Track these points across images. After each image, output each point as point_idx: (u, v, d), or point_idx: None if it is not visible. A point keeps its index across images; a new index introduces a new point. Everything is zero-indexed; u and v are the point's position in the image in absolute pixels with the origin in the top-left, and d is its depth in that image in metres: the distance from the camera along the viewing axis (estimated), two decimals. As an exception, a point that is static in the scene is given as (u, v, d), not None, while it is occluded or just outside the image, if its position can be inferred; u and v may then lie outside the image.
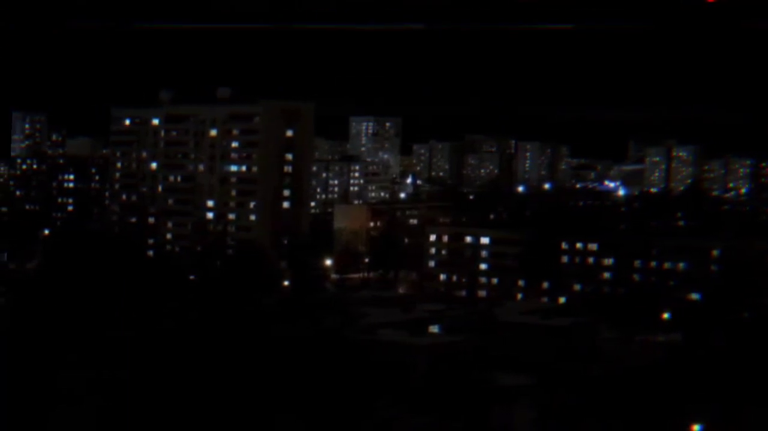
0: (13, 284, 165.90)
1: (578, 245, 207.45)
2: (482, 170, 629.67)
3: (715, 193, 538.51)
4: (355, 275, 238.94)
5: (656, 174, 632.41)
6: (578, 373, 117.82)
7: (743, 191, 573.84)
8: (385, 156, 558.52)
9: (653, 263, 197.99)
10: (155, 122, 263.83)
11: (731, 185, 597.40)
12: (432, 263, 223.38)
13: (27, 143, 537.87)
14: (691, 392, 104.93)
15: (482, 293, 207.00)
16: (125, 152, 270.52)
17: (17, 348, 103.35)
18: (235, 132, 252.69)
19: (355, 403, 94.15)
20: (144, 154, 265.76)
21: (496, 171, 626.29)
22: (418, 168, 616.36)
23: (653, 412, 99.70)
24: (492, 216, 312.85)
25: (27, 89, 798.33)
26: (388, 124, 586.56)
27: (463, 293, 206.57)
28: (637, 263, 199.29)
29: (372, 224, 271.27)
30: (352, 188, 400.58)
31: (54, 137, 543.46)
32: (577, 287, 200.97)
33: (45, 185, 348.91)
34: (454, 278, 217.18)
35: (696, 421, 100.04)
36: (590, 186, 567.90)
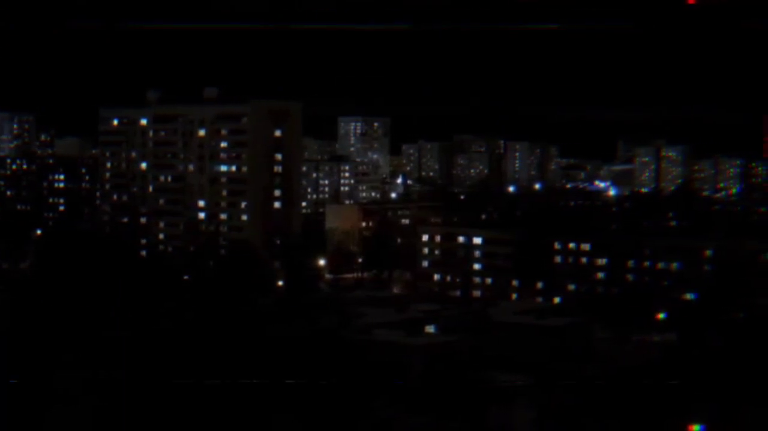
0: (7, 284, 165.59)
1: (571, 245, 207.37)
2: (472, 170, 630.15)
3: (705, 193, 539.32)
4: (349, 275, 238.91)
5: (646, 174, 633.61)
6: (573, 373, 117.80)
7: (734, 191, 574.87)
8: (375, 156, 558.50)
9: (646, 263, 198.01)
10: (143, 122, 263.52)
11: (721, 185, 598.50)
12: (425, 263, 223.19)
13: (16, 143, 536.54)
14: (686, 392, 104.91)
15: (476, 293, 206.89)
16: (114, 152, 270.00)
17: (12, 348, 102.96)
18: (223, 132, 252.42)
19: (353, 403, 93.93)
20: (133, 154, 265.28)
21: (485, 171, 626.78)
22: (408, 168, 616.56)
23: (649, 412, 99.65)
24: (483, 216, 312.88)
25: (14, 89, 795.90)
26: (376, 124, 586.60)
27: (457, 293, 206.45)
28: (630, 263, 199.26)
29: (364, 224, 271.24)
30: (342, 188, 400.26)
31: (43, 137, 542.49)
32: (571, 287, 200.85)
33: (35, 186, 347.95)
34: (448, 278, 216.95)
35: (692, 421, 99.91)
36: (581, 186, 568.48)
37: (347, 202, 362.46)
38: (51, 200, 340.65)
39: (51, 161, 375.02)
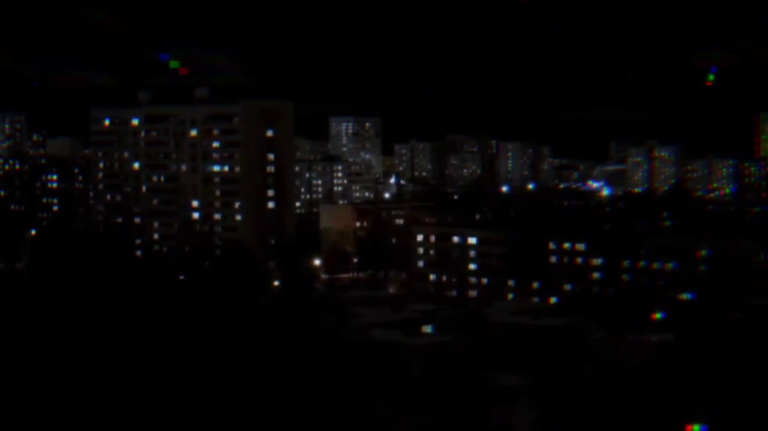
0: (3, 284, 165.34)
1: (566, 245, 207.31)
2: (465, 170, 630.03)
3: (698, 193, 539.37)
4: (345, 276, 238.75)
5: (639, 174, 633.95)
6: (571, 373, 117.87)
7: (727, 191, 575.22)
8: (367, 156, 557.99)
9: (642, 264, 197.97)
10: (135, 122, 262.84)
11: (714, 185, 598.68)
12: (420, 263, 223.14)
13: (8, 143, 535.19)
14: (683, 392, 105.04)
15: (472, 293, 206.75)
16: (107, 152, 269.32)
17: (10, 348, 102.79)
18: (215, 132, 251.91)
19: (353, 403, 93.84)
20: (126, 154, 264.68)
21: (478, 171, 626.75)
22: (401, 168, 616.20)
23: (647, 412, 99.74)
24: (477, 216, 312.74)
25: (6, 89, 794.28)
26: (368, 124, 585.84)
27: (453, 293, 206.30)
28: (625, 263, 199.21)
29: (358, 224, 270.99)
30: (335, 189, 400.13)
31: (35, 137, 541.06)
32: (566, 287, 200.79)
33: (28, 186, 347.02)
34: (444, 278, 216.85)
35: (689, 421, 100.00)
36: (574, 186, 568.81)
37: (341, 202, 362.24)
38: (44, 200, 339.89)
39: (43, 161, 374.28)
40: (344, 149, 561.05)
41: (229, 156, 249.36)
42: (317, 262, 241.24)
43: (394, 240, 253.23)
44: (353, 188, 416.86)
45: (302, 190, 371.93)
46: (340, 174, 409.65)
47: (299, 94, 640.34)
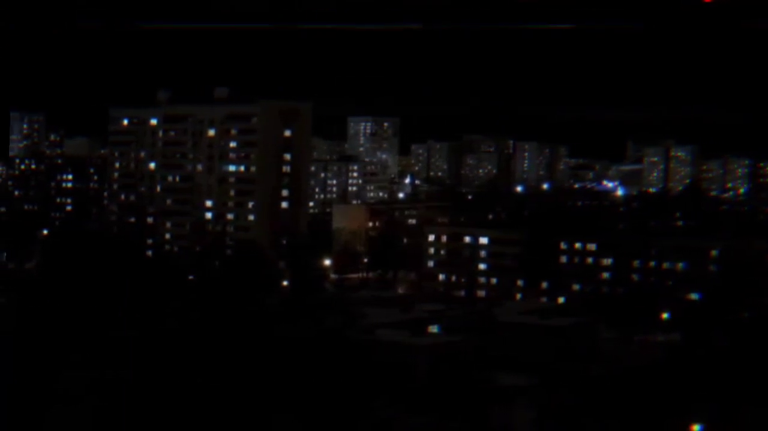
0: (13, 284, 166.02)
1: (577, 245, 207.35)
2: (480, 170, 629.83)
3: (713, 193, 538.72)
4: (354, 275, 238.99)
5: (654, 174, 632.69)
6: (577, 373, 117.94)
7: (742, 191, 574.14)
8: (384, 156, 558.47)
9: (652, 263, 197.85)
10: (153, 122, 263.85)
11: (730, 185, 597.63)
12: (431, 263, 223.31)
13: (25, 143, 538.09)
14: (691, 392, 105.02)
15: (481, 293, 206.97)
16: (123, 152, 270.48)
17: (18, 348, 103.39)
18: (233, 132, 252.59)
19: (358, 403, 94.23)
20: (142, 154, 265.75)
21: (494, 171, 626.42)
22: (417, 168, 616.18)
23: (653, 412, 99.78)
24: (491, 216, 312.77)
25: (25, 89, 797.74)
26: (386, 124, 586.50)
27: (462, 293, 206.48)
28: (636, 263, 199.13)
29: (371, 224, 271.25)
30: (350, 188, 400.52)
31: (52, 137, 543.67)
32: (576, 287, 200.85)
33: (43, 185, 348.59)
34: (453, 278, 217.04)
35: (696, 421, 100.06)
36: (589, 186, 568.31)
37: (355, 202, 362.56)
38: (58, 199, 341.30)
39: (60, 161, 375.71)
40: (361, 148, 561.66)
41: (246, 156, 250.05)
42: (328, 262, 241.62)
43: (405, 240, 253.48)
44: (368, 188, 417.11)
45: (317, 190, 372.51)
46: (355, 174, 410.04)
47: (318, 95, 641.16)
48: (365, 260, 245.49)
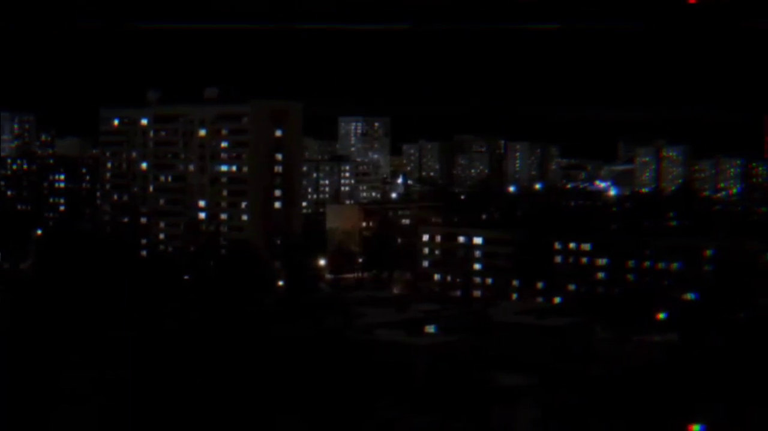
0: (8, 284, 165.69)
1: (571, 245, 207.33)
2: (472, 170, 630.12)
3: (705, 193, 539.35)
4: (350, 276, 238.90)
5: (646, 174, 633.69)
6: (575, 373, 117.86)
7: (734, 191, 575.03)
8: (375, 156, 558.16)
9: (647, 263, 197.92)
10: (144, 122, 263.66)
11: (722, 185, 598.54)
12: (426, 263, 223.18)
13: (16, 143, 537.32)
14: (689, 392, 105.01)
15: (477, 293, 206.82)
16: (115, 152, 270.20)
17: (14, 348, 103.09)
18: (224, 132, 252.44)
19: (358, 403, 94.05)
20: (134, 154, 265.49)
21: (486, 171, 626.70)
22: (409, 168, 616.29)
23: (650, 412, 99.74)
24: (484, 216, 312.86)
25: (15, 89, 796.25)
26: (376, 124, 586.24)
27: (458, 293, 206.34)
28: (630, 263, 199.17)
29: (364, 224, 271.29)
30: (343, 188, 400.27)
31: (43, 137, 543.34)
32: (571, 287, 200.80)
33: (36, 186, 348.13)
34: (449, 278, 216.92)
35: (694, 421, 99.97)
36: (581, 186, 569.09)
37: (348, 202, 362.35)
38: (51, 200, 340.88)
39: (51, 161, 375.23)
40: (353, 149, 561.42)
41: (238, 156, 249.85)
42: (322, 262, 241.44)
43: (400, 240, 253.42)
44: (360, 188, 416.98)
45: (309, 190, 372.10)
46: (347, 174, 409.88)
47: (309, 95, 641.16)
48: (360, 260, 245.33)
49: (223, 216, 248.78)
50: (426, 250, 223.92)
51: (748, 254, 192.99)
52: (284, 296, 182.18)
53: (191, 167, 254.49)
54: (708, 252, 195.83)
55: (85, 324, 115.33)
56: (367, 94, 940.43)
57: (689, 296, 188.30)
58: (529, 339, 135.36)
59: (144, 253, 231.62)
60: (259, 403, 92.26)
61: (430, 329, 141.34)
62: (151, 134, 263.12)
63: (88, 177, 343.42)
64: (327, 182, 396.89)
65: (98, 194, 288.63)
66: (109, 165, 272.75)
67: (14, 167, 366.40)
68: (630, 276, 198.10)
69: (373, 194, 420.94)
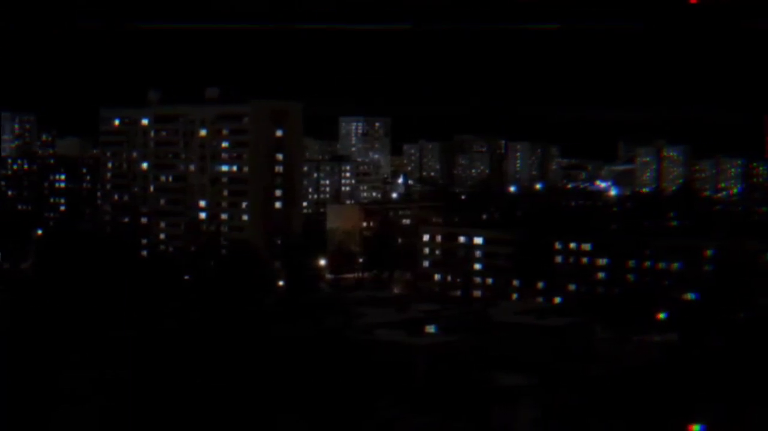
0: (8, 284, 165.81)
1: (572, 245, 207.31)
2: (473, 170, 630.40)
3: (706, 193, 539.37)
4: (350, 276, 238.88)
5: (647, 174, 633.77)
6: (575, 373, 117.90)
7: (735, 191, 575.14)
8: (376, 156, 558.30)
9: (647, 263, 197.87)
10: (144, 122, 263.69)
11: (722, 185, 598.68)
12: (426, 263, 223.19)
13: (17, 143, 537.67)
14: (688, 392, 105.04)
15: (477, 293, 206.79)
16: (115, 152, 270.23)
17: (14, 348, 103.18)
18: (224, 132, 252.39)
19: (358, 403, 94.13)
20: (134, 154, 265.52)
21: (486, 171, 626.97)
22: (409, 168, 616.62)
23: (650, 412, 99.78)
24: (484, 216, 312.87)
25: (16, 89, 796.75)
26: (377, 124, 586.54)
27: (458, 293, 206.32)
28: (631, 263, 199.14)
29: (365, 224, 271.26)
30: (343, 189, 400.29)
31: (44, 137, 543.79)
32: (571, 287, 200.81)
33: (36, 186, 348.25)
34: (449, 278, 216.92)
35: (694, 421, 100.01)
36: (582, 186, 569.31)
37: (348, 202, 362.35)
38: (52, 200, 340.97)
39: (52, 161, 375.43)
40: (353, 149, 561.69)
41: (238, 156, 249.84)
42: (322, 262, 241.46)
43: (400, 240, 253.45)
44: (361, 188, 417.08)
45: (310, 190, 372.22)
46: (348, 174, 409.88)
47: (309, 95, 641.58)
48: (360, 260, 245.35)
49: (224, 216, 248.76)
50: (426, 250, 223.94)
51: (749, 254, 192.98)
52: (284, 296, 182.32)
53: (192, 167, 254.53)
54: (708, 252, 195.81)
55: (86, 324, 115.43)
56: (368, 94, 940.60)
57: (689, 296, 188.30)
58: (529, 339, 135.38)
59: (144, 253, 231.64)
60: (260, 403, 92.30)
61: (430, 329, 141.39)
62: (152, 134, 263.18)
63: (88, 177, 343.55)
64: (327, 182, 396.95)
65: (99, 194, 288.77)
66: (109, 165, 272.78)
67: (14, 167, 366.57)
68: (630, 276, 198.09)
69: (374, 194, 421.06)
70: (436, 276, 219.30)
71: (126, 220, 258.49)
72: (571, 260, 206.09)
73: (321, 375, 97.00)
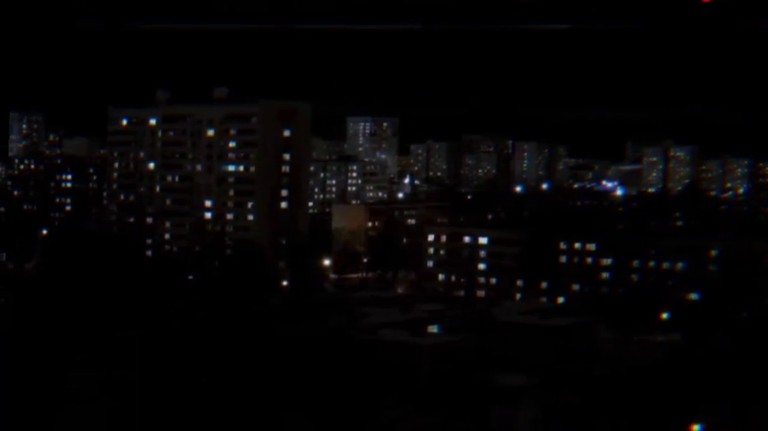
0: (13, 284, 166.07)
1: (577, 245, 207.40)
2: (480, 170, 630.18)
3: (712, 193, 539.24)
4: (354, 276, 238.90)
5: (654, 174, 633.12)
6: (579, 373, 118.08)
7: (741, 191, 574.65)
8: (383, 156, 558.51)
9: (652, 263, 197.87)
10: (152, 122, 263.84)
11: (729, 185, 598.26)
12: (430, 263, 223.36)
13: (24, 143, 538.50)
14: (691, 392, 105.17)
15: (481, 293, 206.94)
16: (123, 152, 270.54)
17: (18, 348, 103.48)
18: (232, 132, 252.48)
19: (362, 403, 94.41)
20: (141, 154, 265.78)
21: (493, 171, 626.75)
22: (416, 168, 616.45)
23: (654, 412, 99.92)
24: (490, 216, 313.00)
25: (24, 89, 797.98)
26: (385, 124, 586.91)
27: (462, 293, 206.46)
28: (635, 263, 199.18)
29: (370, 224, 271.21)
30: (349, 188, 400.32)
31: (51, 137, 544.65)
32: (575, 287, 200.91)
33: (43, 185, 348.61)
34: (453, 278, 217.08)
35: (697, 421, 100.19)
36: (588, 186, 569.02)
37: (354, 202, 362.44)
38: (58, 199, 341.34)
39: (59, 161, 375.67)
40: (360, 149, 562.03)
41: (245, 156, 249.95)
42: (327, 262, 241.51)
43: (405, 240, 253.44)
44: (367, 188, 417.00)
45: (316, 190, 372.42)
46: (354, 174, 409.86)
47: (318, 95, 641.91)
48: (365, 260, 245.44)
49: (230, 216, 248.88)
50: (431, 250, 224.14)
51: (755, 254, 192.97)
52: (289, 296, 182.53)
53: (199, 167, 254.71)
54: (713, 252, 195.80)
55: (91, 324, 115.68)
56: (376, 94, 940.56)
57: (694, 296, 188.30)
58: (532, 339, 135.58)
59: (150, 253, 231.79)
60: (264, 403, 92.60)
61: (434, 329, 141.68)
62: (160, 134, 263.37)
63: (95, 177, 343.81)
64: (334, 182, 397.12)
65: (105, 194, 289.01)
66: (116, 165, 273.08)
67: (21, 166, 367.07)
68: (634, 276, 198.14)
69: (380, 194, 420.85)
70: (441, 276, 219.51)
71: (132, 220, 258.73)
72: (576, 260, 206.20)
73: (325, 375, 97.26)
